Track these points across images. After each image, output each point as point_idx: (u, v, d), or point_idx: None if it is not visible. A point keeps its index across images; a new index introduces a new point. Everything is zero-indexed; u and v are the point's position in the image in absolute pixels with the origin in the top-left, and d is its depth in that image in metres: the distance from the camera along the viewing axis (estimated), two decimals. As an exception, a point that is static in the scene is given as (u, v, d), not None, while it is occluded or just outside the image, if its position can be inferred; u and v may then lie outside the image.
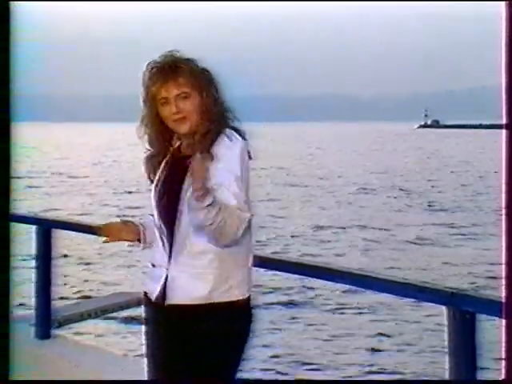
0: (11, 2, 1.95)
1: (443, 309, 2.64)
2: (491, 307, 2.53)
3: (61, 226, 4.71)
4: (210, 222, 2.33)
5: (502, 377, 1.99)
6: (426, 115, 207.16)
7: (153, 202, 2.62)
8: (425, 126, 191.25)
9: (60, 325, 4.67)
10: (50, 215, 13.83)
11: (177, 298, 2.52)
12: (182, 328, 2.52)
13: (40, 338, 4.39)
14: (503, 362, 1.91)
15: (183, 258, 2.51)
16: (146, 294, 2.66)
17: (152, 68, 2.54)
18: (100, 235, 2.69)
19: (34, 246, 4.39)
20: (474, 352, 2.54)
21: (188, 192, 2.40)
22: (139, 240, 2.70)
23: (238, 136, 2.51)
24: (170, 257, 2.54)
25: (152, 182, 2.64)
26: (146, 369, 2.66)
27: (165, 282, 2.54)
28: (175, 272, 2.52)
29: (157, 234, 2.61)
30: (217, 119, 2.52)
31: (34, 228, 4.39)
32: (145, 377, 2.67)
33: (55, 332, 4.52)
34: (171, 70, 2.51)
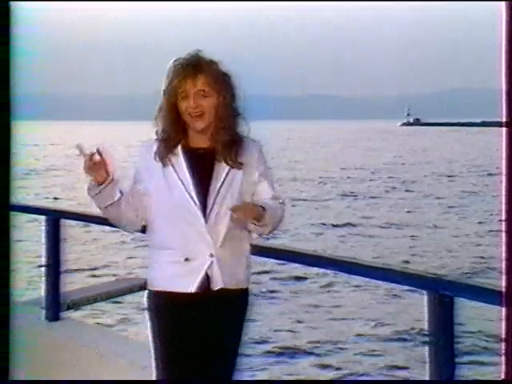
0: (11, 2, 1.91)
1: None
2: (468, 291, 2.56)
3: (69, 216, 4.74)
4: (270, 229, 2.54)
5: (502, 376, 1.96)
6: (408, 114, 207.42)
7: (179, 188, 2.53)
8: (407, 124, 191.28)
9: (68, 308, 4.69)
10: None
11: (226, 282, 2.52)
12: (226, 312, 2.55)
13: (50, 320, 4.41)
14: (503, 361, 1.89)
15: (228, 243, 2.54)
16: (159, 291, 2.57)
17: (178, 63, 2.54)
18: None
19: (44, 235, 4.41)
20: (452, 334, 2.56)
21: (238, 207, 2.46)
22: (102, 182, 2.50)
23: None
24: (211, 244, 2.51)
25: (163, 164, 2.56)
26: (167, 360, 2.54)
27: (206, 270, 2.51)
28: (222, 258, 2.52)
29: (184, 225, 2.52)
30: (228, 124, 2.55)
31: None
32: (148, 358, 2.61)
33: (64, 314, 4.54)
34: (194, 67, 2.52)
